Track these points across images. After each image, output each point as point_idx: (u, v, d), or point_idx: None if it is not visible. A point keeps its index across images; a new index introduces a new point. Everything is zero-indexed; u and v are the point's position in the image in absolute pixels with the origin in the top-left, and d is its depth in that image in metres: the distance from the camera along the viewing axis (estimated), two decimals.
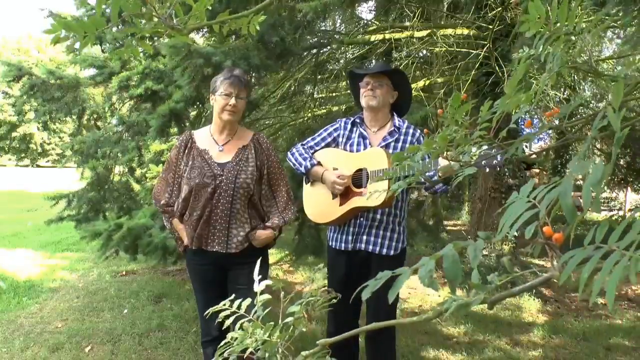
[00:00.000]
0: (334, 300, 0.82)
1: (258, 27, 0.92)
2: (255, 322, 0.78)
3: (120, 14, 0.77)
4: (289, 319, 0.77)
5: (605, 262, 0.44)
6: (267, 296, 0.85)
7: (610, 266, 0.42)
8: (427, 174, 2.03)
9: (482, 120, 0.80)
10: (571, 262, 0.45)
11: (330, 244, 2.25)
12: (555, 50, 0.78)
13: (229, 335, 0.79)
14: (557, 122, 0.94)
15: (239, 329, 0.78)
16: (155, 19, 0.81)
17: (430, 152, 0.84)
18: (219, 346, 0.80)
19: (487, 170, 1.62)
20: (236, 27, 0.92)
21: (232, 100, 2.00)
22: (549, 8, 0.76)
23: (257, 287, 0.85)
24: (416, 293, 4.56)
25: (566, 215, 0.52)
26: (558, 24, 0.75)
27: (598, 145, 7.53)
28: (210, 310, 0.91)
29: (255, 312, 0.82)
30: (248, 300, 0.86)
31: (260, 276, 0.88)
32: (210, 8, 0.82)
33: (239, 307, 0.85)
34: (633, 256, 0.41)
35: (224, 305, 0.86)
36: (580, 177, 0.53)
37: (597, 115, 0.57)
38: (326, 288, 0.84)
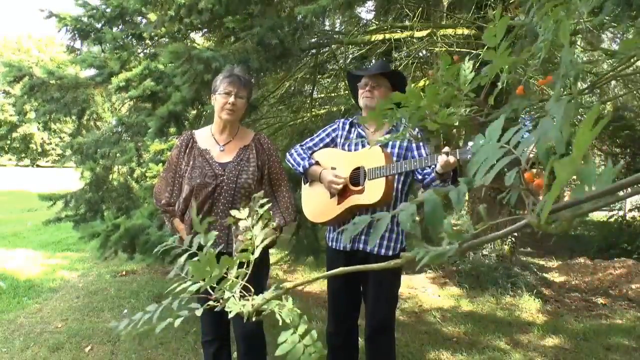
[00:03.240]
0: (273, 224, 0.79)
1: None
2: (210, 253, 0.69)
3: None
4: (241, 254, 0.74)
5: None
6: (215, 233, 0.82)
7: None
8: (424, 170, 2.04)
9: (467, 81, 0.77)
10: (547, 205, 0.43)
11: (329, 244, 2.25)
12: (547, 20, 0.76)
13: (178, 264, 0.76)
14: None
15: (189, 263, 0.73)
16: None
17: (417, 108, 0.80)
18: (169, 276, 0.76)
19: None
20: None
21: (232, 99, 2.00)
22: None
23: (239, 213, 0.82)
24: (416, 293, 4.56)
25: (541, 158, 0.50)
26: None
27: (597, 145, 7.53)
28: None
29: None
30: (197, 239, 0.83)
31: (199, 216, 0.86)
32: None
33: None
34: None
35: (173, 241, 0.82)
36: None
37: (563, 53, 0.56)
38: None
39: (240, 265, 0.82)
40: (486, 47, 0.73)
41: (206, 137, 2.11)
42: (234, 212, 0.81)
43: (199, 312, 0.75)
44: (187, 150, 2.08)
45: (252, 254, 0.75)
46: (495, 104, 0.85)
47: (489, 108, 0.81)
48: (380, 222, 0.57)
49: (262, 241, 0.76)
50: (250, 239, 0.77)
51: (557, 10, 0.73)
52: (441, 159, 1.80)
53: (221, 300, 0.71)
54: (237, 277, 0.72)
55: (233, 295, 0.70)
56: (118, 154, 3.57)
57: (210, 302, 0.76)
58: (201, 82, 2.89)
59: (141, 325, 0.70)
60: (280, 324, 0.69)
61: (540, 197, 0.51)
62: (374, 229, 0.58)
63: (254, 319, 0.70)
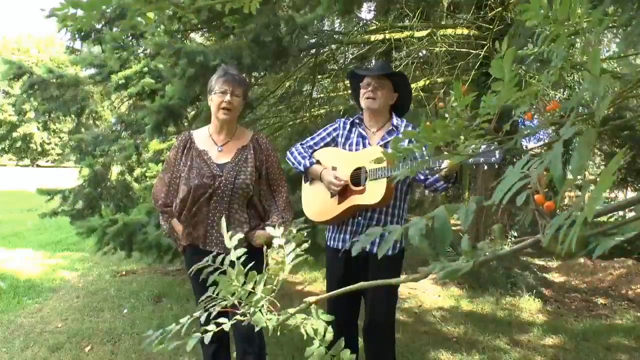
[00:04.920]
0: (306, 245, 0.80)
1: (258, 6, 0.92)
2: (239, 269, 0.76)
3: None
4: (271, 268, 0.76)
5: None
6: (242, 250, 0.84)
7: (580, 220, 0.43)
8: (426, 170, 2.03)
9: (483, 113, 0.79)
10: (552, 227, 0.45)
11: (328, 243, 2.24)
12: (559, 47, 0.77)
13: (211, 289, 0.78)
14: (557, 119, 0.94)
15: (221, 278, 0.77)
16: None
17: (429, 142, 0.82)
18: (200, 300, 0.79)
19: (485, 167, 1.62)
20: (238, 6, 0.92)
21: (227, 97, 1.99)
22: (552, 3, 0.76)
23: (229, 242, 0.84)
24: (416, 293, 4.55)
25: (555, 182, 0.52)
26: (558, 20, 0.74)
27: (597, 144, 7.52)
28: (194, 268, 0.89)
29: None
30: (229, 257, 0.85)
31: (230, 233, 0.87)
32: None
33: (222, 263, 0.83)
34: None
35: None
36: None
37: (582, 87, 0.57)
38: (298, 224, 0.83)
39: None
40: (493, 78, 0.74)
41: (204, 138, 2.11)
42: (268, 229, 0.83)
43: (226, 327, 0.76)
44: (185, 151, 2.08)
45: (283, 271, 0.77)
46: (508, 132, 0.86)
47: (502, 135, 0.81)
48: (391, 235, 0.59)
49: (292, 260, 0.78)
50: (282, 257, 0.79)
51: (562, 37, 0.73)
52: (444, 162, 1.80)
53: (248, 315, 0.72)
54: (264, 293, 0.74)
55: (260, 310, 0.72)
56: (117, 152, 3.57)
57: (237, 317, 0.77)
58: (190, 77, 2.87)
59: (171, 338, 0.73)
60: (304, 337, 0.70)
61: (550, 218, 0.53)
62: (385, 241, 0.60)
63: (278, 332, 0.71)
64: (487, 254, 0.56)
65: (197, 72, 2.76)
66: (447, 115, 0.74)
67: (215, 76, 2.06)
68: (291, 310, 0.68)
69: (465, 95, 0.73)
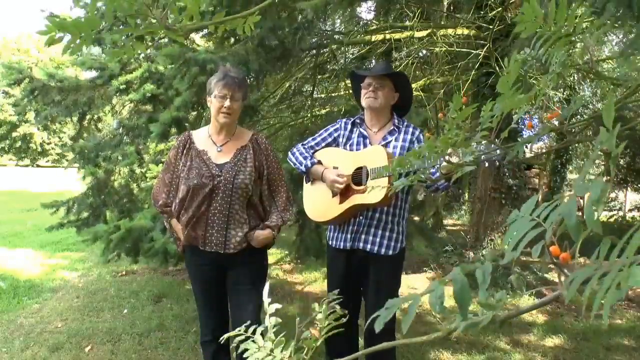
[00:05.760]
0: (343, 320, 0.81)
1: (253, 27, 0.92)
2: (279, 339, 0.77)
3: (115, 13, 0.77)
4: (302, 340, 0.77)
5: (603, 282, 0.44)
6: (277, 319, 0.84)
7: (607, 285, 0.43)
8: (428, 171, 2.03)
9: (484, 122, 0.79)
10: (574, 283, 0.46)
11: (329, 242, 2.25)
12: (557, 51, 0.78)
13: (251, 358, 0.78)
14: (557, 124, 0.94)
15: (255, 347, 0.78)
16: (151, 19, 0.81)
17: (432, 155, 0.84)
18: None
19: (487, 165, 1.62)
20: (232, 28, 0.92)
21: (227, 103, 1.99)
22: (547, 9, 0.77)
23: (268, 308, 0.84)
24: (416, 293, 4.56)
25: (572, 234, 0.53)
26: (557, 24, 0.75)
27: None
28: (225, 337, 0.89)
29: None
30: (262, 328, 0.85)
31: (268, 289, 0.87)
32: (212, 9, 0.83)
33: (253, 332, 0.83)
34: (623, 270, 0.42)
35: (239, 331, 0.84)
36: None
37: (597, 138, 0.57)
38: (331, 296, 0.83)
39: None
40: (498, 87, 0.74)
41: (204, 138, 2.11)
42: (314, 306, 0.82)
43: None
44: (185, 151, 2.08)
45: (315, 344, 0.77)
46: (507, 137, 0.87)
47: (499, 145, 0.82)
48: (412, 307, 0.60)
49: (325, 333, 0.79)
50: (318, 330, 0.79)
51: (562, 43, 0.74)
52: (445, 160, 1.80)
53: None
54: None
55: None
56: (119, 157, 3.57)
57: None
58: (200, 85, 2.89)
59: None
60: None
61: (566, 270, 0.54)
62: (404, 320, 0.61)
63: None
64: (505, 302, 0.57)
65: (206, 79, 2.80)
66: (446, 127, 0.74)
67: (214, 78, 2.05)
68: None
69: (465, 106, 0.74)
